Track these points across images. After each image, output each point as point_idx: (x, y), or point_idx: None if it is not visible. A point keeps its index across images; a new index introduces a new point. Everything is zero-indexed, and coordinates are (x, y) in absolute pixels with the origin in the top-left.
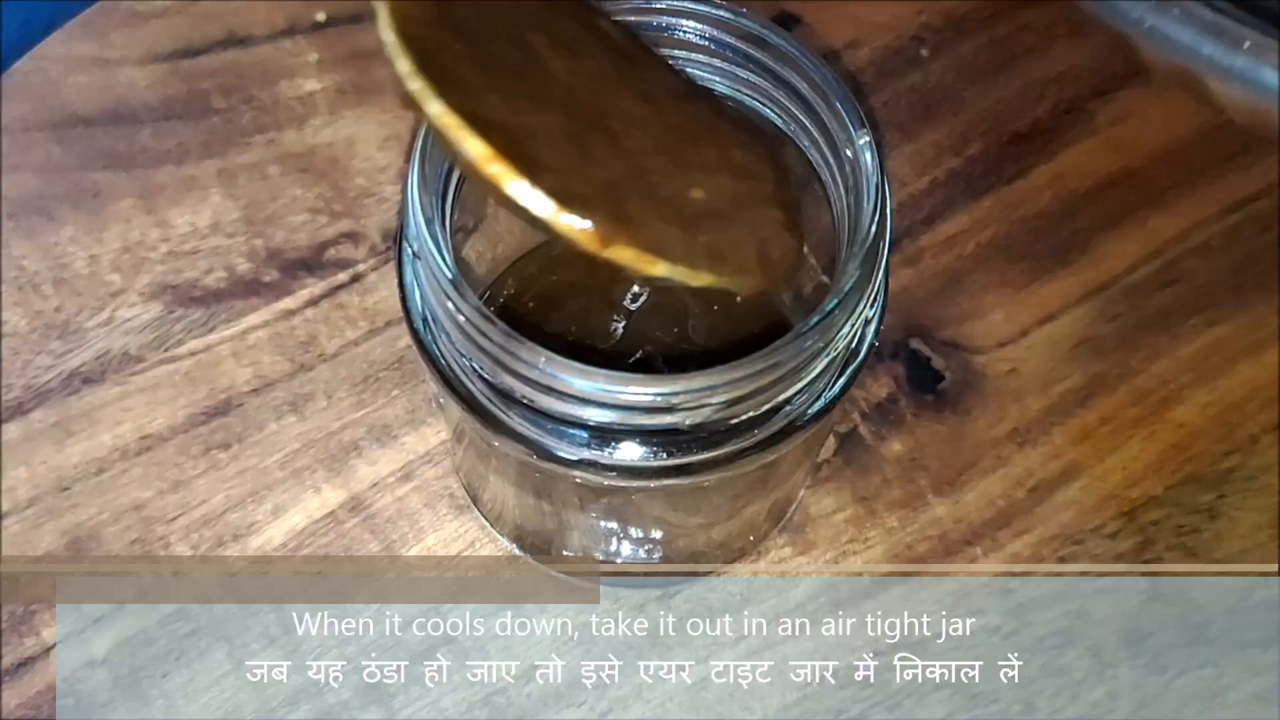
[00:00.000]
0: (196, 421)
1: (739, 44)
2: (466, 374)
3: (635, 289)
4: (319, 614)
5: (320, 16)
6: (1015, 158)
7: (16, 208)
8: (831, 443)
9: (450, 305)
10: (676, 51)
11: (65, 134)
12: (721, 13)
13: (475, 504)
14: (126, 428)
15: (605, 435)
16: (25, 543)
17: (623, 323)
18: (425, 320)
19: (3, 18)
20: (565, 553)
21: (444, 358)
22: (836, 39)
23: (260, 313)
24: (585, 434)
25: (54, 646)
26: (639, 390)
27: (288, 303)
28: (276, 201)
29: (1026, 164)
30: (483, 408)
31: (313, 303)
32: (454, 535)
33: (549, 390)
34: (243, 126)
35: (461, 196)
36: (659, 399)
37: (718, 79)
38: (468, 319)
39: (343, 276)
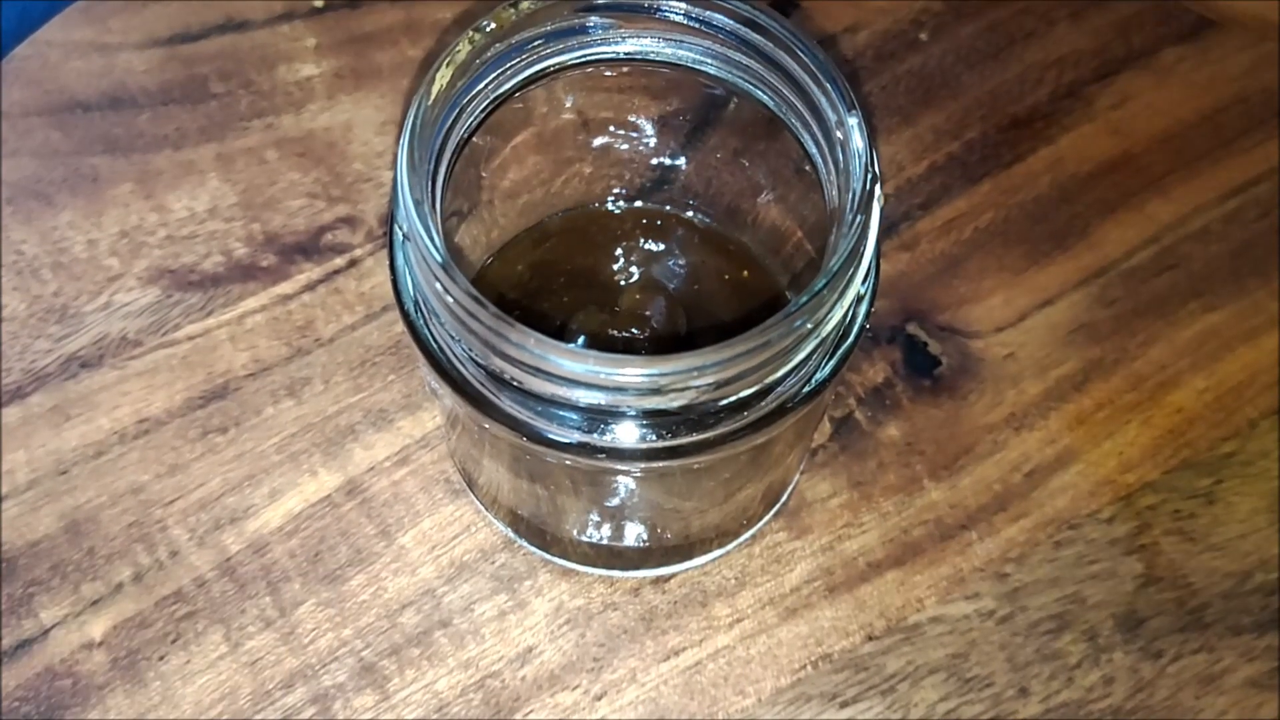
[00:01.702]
0: (194, 405)
1: (731, 26)
2: (458, 357)
3: (630, 269)
4: (315, 597)
5: (318, 2)
6: (1014, 142)
7: (16, 192)
8: (827, 427)
9: (439, 287)
10: (669, 34)
11: (64, 119)
12: None
13: (470, 488)
14: (124, 411)
15: (596, 417)
16: (24, 525)
17: (618, 304)
18: (416, 303)
19: (2, 3)
20: (560, 536)
21: (435, 341)
22: (836, 23)
23: (257, 297)
24: (576, 416)
25: (52, 629)
26: (629, 372)
27: (284, 287)
28: (274, 186)
29: (1025, 148)
30: (474, 390)
31: (309, 287)
32: (450, 519)
33: (539, 372)
34: (240, 111)
35: (454, 180)
36: (649, 380)
37: (710, 61)
38: (456, 301)
39: (339, 261)
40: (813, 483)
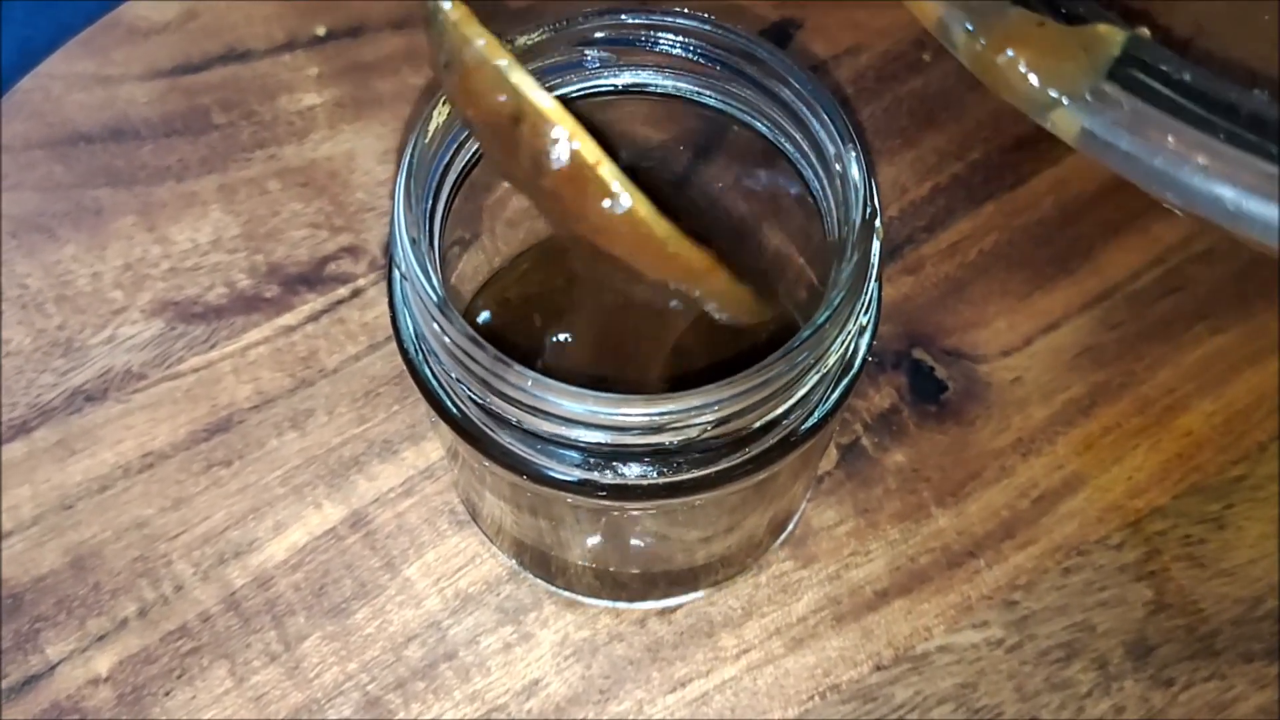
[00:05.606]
0: (198, 438)
1: (728, 58)
2: (457, 395)
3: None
4: (319, 631)
5: (320, 30)
6: (1017, 163)
7: (19, 226)
8: (833, 454)
9: (437, 327)
10: (666, 66)
11: (67, 152)
12: (709, 27)
13: (475, 519)
14: (128, 445)
15: (596, 455)
16: (29, 561)
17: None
18: (415, 341)
19: (4, 36)
20: (565, 568)
21: (435, 379)
22: (838, 44)
23: (261, 329)
24: (576, 455)
25: (58, 664)
26: (629, 411)
27: (288, 318)
28: (277, 216)
29: (1028, 169)
30: (474, 429)
31: (313, 318)
32: (454, 550)
33: (538, 412)
34: (243, 142)
35: (455, 211)
36: (649, 419)
37: (708, 93)
38: (454, 341)
39: (343, 291)
40: (819, 510)
